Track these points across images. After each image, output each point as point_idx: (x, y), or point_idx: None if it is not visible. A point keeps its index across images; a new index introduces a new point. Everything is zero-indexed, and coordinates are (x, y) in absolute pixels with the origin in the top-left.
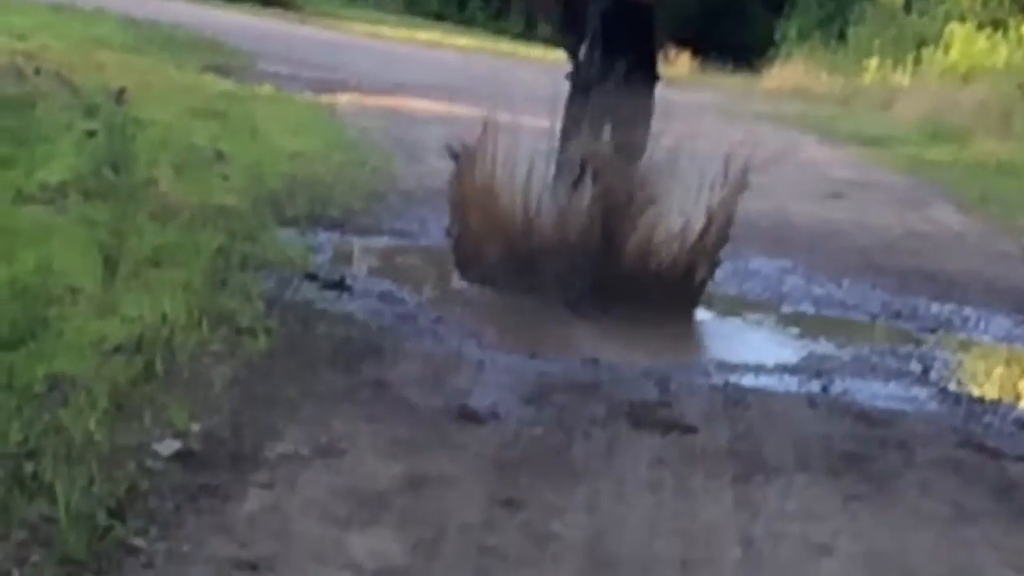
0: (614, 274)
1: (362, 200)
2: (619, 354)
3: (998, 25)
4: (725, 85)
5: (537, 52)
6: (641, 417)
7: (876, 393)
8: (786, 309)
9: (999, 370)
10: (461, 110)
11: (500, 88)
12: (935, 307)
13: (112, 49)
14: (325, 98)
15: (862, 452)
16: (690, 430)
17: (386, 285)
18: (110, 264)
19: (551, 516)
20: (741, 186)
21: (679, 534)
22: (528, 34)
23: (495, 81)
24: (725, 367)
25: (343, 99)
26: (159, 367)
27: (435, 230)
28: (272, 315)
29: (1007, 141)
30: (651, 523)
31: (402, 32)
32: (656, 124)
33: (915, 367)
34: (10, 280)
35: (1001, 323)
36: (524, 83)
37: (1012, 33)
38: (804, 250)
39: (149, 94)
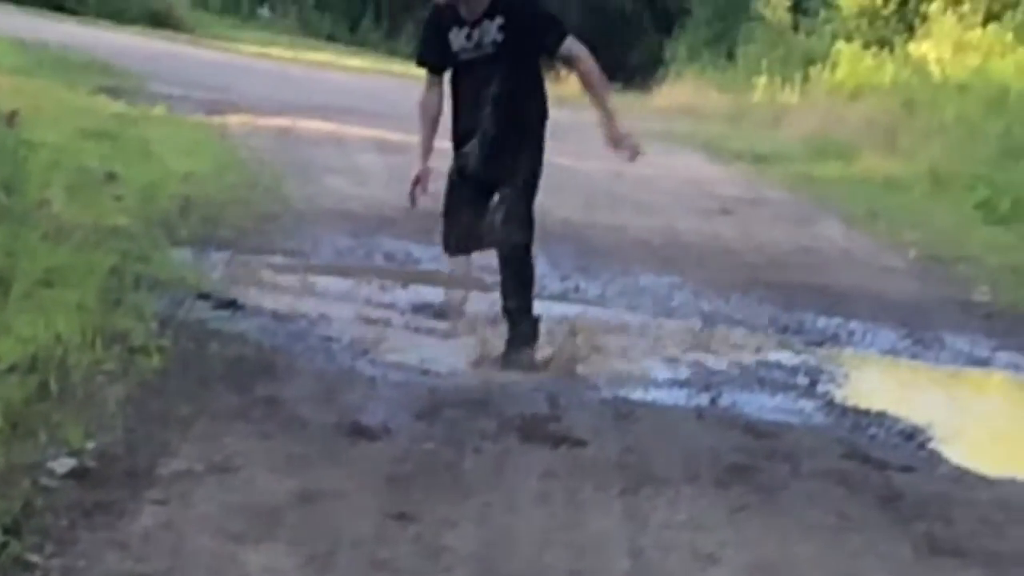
0: None
1: (254, 220)
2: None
3: (884, 44)
4: (615, 104)
5: None
6: (531, 431)
7: (763, 405)
8: (674, 324)
9: (884, 383)
10: (352, 131)
11: (391, 108)
12: (822, 321)
13: (1, 71)
14: (217, 119)
15: (749, 464)
16: (580, 443)
17: (279, 304)
18: (3, 285)
19: (443, 529)
20: None
21: (569, 546)
22: None
23: (386, 101)
24: (615, 381)
25: (235, 120)
26: (53, 386)
27: (326, 249)
28: (165, 334)
29: (893, 157)
30: (541, 535)
31: (294, 53)
32: (547, 144)
33: (802, 380)
34: None
35: (887, 336)
36: (415, 103)
37: (898, 51)
38: (693, 266)
39: (40, 116)
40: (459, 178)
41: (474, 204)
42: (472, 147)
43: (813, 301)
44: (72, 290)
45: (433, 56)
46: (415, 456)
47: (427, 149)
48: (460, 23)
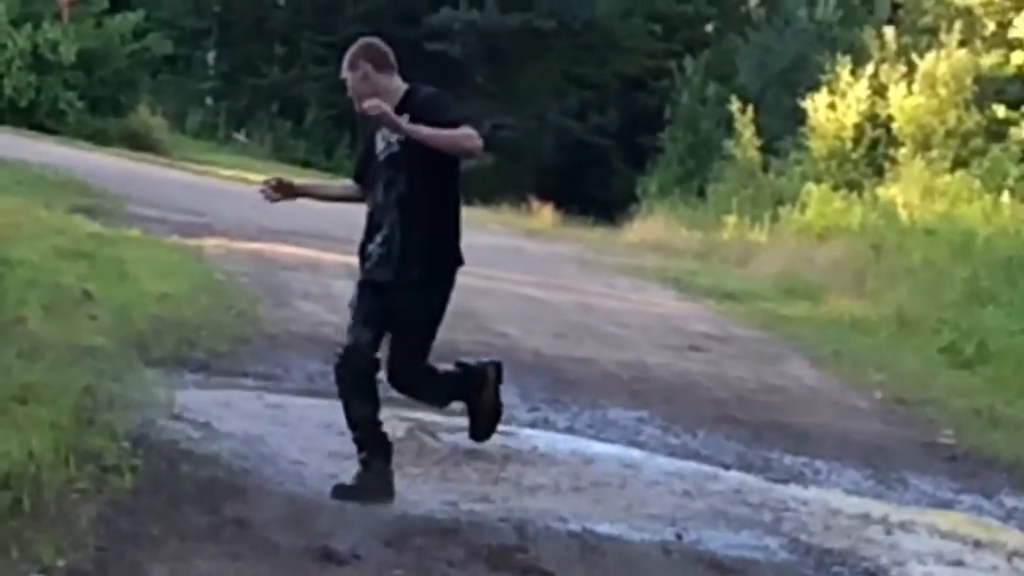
0: None
1: (227, 343)
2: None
3: (853, 186)
4: (587, 238)
5: None
6: (499, 561)
7: (729, 542)
8: (642, 458)
9: (848, 521)
10: (327, 256)
11: None
12: (788, 459)
13: None
14: (192, 242)
15: None
16: (547, 574)
17: (250, 427)
18: None
19: None
20: None
21: None
22: None
23: (360, 228)
24: (582, 513)
25: (210, 243)
26: (26, 503)
27: (298, 374)
28: (138, 454)
29: (860, 299)
30: None
31: (270, 178)
32: (518, 275)
33: (767, 517)
34: None
35: (851, 475)
36: None
37: (867, 194)
38: (661, 401)
39: (18, 234)
40: (364, 290)
41: (374, 314)
42: (374, 248)
43: (779, 439)
44: (46, 408)
45: (357, 164)
46: None
47: (309, 183)
48: (379, 125)
